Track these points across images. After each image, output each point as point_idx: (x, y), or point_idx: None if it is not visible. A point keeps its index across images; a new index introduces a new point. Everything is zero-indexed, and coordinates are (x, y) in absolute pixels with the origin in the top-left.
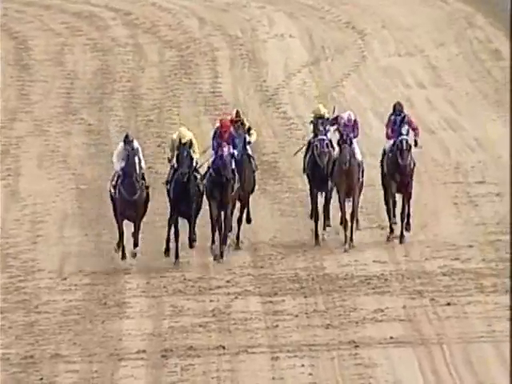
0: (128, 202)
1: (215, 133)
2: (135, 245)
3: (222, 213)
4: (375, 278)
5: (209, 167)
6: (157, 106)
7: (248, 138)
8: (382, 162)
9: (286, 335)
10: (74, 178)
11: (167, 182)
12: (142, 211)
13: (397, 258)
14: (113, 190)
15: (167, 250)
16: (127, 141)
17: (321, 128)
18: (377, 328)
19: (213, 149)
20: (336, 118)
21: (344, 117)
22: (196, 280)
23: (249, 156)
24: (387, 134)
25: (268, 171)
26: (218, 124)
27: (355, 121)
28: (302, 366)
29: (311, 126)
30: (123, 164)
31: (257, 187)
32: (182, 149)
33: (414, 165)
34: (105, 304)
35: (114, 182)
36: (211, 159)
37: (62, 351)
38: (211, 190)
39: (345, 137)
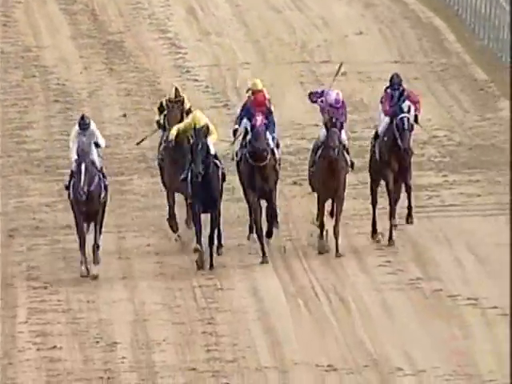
0: (81, 200)
1: (243, 109)
2: (96, 248)
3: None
4: (221, 158)
5: (241, 147)
6: None
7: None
8: (373, 146)
9: (133, 215)
10: None
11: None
12: (101, 209)
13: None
14: (68, 190)
15: (199, 247)
16: (82, 125)
17: None
18: (222, 206)
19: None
20: (322, 93)
21: (331, 96)
22: (43, 160)
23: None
24: (385, 110)
25: (114, 50)
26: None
27: (343, 102)
28: (148, 245)
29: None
30: (76, 156)
31: (104, 67)
32: (197, 139)
33: (412, 152)
34: None
35: (67, 181)
36: (241, 138)
37: None
38: (249, 175)
39: (334, 119)
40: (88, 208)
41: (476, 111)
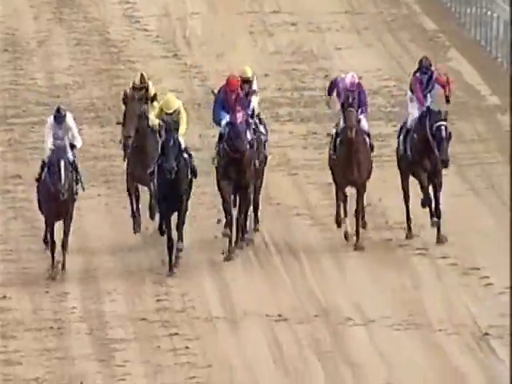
0: (55, 196)
1: (219, 94)
2: (64, 247)
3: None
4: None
5: (220, 140)
6: None
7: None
8: (403, 142)
9: (83, 165)
10: None
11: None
12: (71, 208)
13: (193, 88)
14: (39, 182)
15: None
16: (57, 118)
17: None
18: None
19: (215, 120)
20: (333, 82)
21: (346, 80)
22: None
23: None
24: (419, 98)
25: (63, 0)
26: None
27: (359, 84)
28: (99, 195)
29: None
30: (50, 151)
31: (52, 16)
32: (169, 135)
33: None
34: None
35: (38, 173)
36: (222, 130)
37: None
38: (225, 169)
39: (350, 99)
40: (59, 206)
41: None
